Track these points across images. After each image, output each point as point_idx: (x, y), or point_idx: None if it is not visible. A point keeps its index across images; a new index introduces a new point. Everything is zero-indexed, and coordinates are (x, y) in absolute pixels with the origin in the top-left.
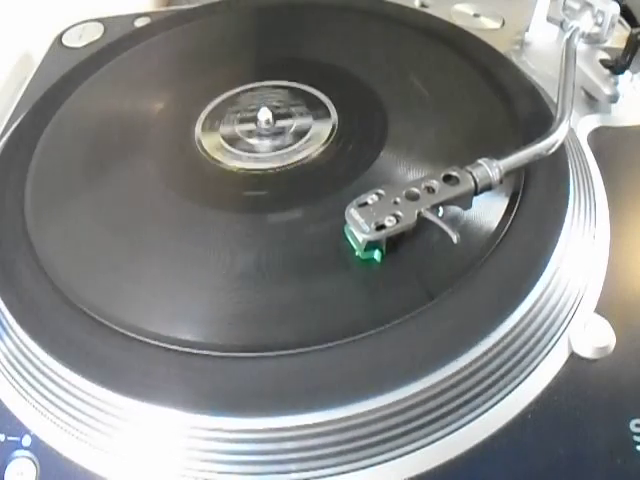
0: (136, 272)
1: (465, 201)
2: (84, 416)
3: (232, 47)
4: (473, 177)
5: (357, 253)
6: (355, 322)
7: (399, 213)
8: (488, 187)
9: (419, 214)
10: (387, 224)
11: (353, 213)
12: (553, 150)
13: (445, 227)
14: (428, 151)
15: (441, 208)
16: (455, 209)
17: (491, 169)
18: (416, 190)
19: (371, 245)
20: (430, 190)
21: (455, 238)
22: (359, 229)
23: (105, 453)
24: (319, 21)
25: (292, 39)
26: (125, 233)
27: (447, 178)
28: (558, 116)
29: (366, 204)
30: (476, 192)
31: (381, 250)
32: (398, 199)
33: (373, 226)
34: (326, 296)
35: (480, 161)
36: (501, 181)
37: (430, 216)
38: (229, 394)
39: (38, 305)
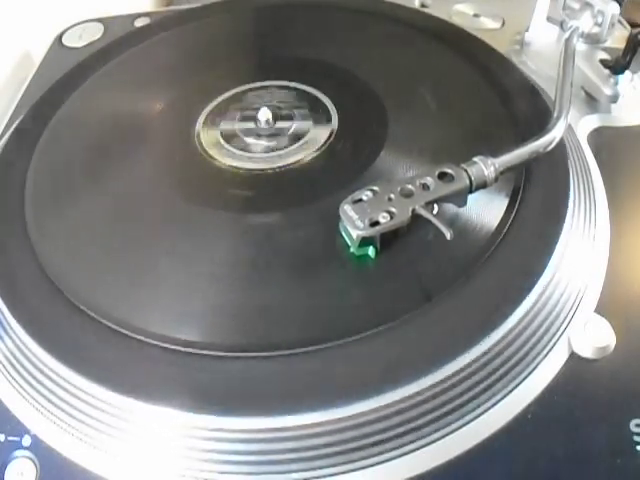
0: (136, 272)
1: (460, 199)
2: (84, 416)
3: (232, 47)
4: (468, 175)
5: (351, 249)
6: (356, 322)
7: (393, 210)
8: (483, 185)
9: (413, 211)
10: (381, 220)
11: (347, 209)
12: (550, 148)
13: (439, 224)
14: (427, 151)
15: (436, 205)
16: (455, 209)
17: (486, 167)
18: (411, 187)
19: (365, 242)
20: (425, 187)
21: (449, 235)
22: (353, 225)
23: (105, 453)
24: (318, 21)
25: (292, 39)
26: (125, 233)
27: (442, 175)
28: (555, 114)
29: (360, 201)
30: (471, 190)
31: (375, 247)
32: (392, 196)
33: (367, 222)
34: (326, 296)
35: (475, 159)
36: (496, 179)
37: (424, 213)
38: (229, 394)
39: (38, 305)
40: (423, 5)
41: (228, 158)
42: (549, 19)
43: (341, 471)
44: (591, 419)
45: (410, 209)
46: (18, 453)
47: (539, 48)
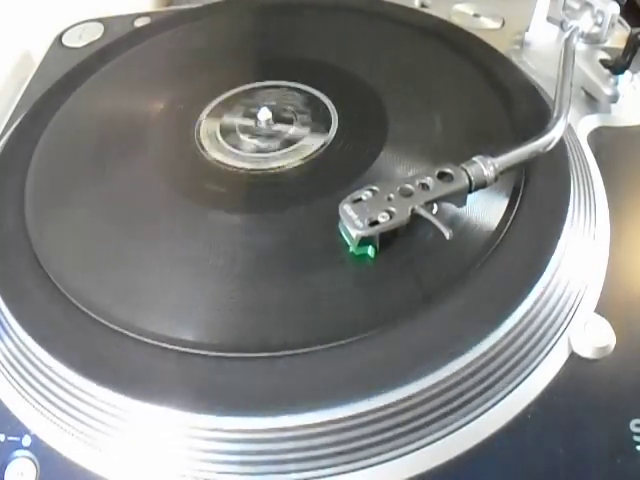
0: (136, 272)
1: (459, 198)
2: (84, 416)
3: (231, 47)
4: (467, 174)
5: (351, 249)
6: (355, 321)
7: (392, 209)
8: (483, 185)
9: (412, 210)
10: (380, 220)
11: (347, 209)
12: (550, 148)
13: (438, 223)
14: (427, 151)
15: (435, 205)
16: (455, 209)
17: (486, 167)
18: (410, 187)
19: (364, 241)
20: (424, 187)
21: (448, 234)
22: (352, 225)
23: (105, 453)
24: (319, 21)
25: (292, 39)
26: (125, 233)
27: (441, 175)
28: (555, 114)
29: (360, 200)
30: (470, 190)
31: (374, 246)
32: (392, 195)
33: (366, 222)
34: (325, 296)
35: (475, 159)
36: (496, 179)
37: (423, 213)
38: (229, 394)
39: (38, 305)
40: (423, 5)
41: (230, 158)
42: (549, 19)
43: (341, 471)
44: (591, 419)
45: (409, 209)
46: (18, 453)
47: (539, 48)
